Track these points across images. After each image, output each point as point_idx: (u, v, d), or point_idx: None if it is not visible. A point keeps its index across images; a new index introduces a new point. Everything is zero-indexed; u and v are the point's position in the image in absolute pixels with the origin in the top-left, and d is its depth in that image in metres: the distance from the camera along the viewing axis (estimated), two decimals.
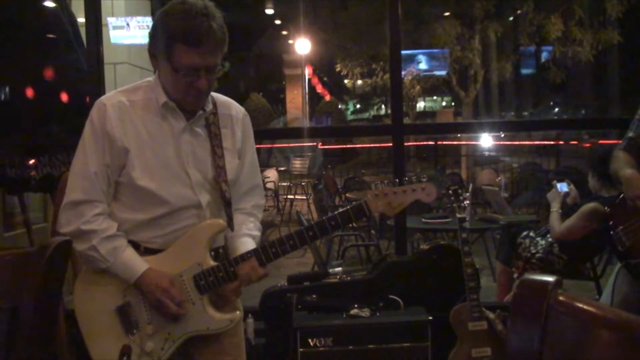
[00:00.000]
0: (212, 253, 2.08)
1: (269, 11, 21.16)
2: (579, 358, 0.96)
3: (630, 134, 2.95)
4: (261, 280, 2.07)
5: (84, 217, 1.98)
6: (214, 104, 2.12)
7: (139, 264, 2.01)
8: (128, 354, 1.90)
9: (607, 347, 0.93)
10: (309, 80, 24.14)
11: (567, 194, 4.35)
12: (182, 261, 2.04)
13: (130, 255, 2.01)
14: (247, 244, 2.09)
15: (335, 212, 2.03)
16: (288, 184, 11.71)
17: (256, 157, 2.27)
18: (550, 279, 0.98)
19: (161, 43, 1.95)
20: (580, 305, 0.96)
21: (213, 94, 2.14)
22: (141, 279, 2.00)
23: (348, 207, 2.03)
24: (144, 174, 1.99)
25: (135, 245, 2.05)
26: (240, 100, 2.26)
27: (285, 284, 3.45)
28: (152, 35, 2.00)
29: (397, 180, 2.01)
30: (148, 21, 5.29)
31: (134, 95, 2.05)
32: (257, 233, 2.19)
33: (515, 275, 4.53)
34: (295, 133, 7.22)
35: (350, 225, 6.87)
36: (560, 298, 0.96)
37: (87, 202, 1.99)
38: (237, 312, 2.10)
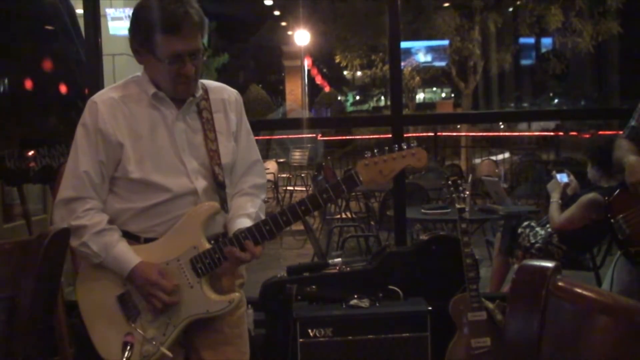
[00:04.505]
0: (212, 241, 2.07)
1: (268, 2, 21.13)
2: (578, 344, 0.96)
3: (633, 123, 2.95)
4: (257, 259, 2.04)
5: (75, 213, 2.02)
6: (205, 90, 2.13)
7: (129, 259, 2.02)
8: (131, 344, 1.91)
9: (606, 332, 0.93)
10: (309, 71, 24.14)
11: (567, 185, 4.35)
12: (179, 246, 2.04)
13: (121, 249, 2.02)
14: (243, 223, 2.07)
15: (326, 185, 2.03)
16: (287, 175, 11.71)
17: (252, 137, 2.25)
18: (549, 264, 0.98)
19: (141, 36, 1.98)
20: (580, 290, 0.96)
21: (204, 80, 2.16)
22: (132, 273, 2.02)
23: (339, 178, 2.03)
24: (139, 166, 2.01)
25: (135, 237, 2.07)
26: (240, 92, 2.27)
27: (285, 274, 3.45)
28: (132, 30, 2.02)
29: (387, 148, 2.01)
30: None
31: (123, 90, 2.08)
32: (253, 210, 2.15)
33: (516, 266, 4.54)
34: (294, 124, 7.20)
35: (349, 214, 6.89)
36: (559, 284, 0.96)
37: (77, 199, 2.03)
38: (237, 294, 2.08)
